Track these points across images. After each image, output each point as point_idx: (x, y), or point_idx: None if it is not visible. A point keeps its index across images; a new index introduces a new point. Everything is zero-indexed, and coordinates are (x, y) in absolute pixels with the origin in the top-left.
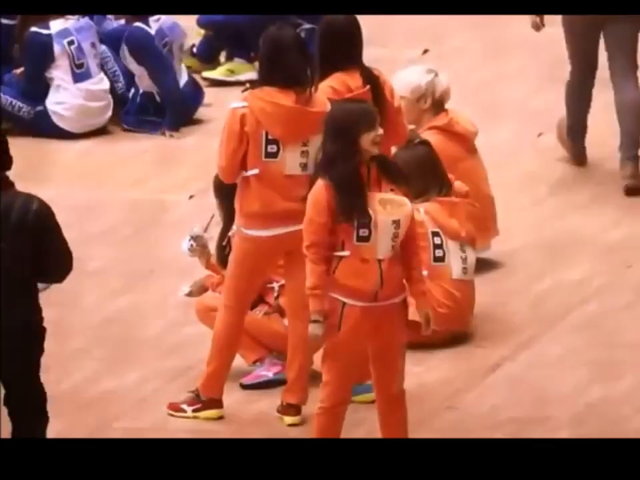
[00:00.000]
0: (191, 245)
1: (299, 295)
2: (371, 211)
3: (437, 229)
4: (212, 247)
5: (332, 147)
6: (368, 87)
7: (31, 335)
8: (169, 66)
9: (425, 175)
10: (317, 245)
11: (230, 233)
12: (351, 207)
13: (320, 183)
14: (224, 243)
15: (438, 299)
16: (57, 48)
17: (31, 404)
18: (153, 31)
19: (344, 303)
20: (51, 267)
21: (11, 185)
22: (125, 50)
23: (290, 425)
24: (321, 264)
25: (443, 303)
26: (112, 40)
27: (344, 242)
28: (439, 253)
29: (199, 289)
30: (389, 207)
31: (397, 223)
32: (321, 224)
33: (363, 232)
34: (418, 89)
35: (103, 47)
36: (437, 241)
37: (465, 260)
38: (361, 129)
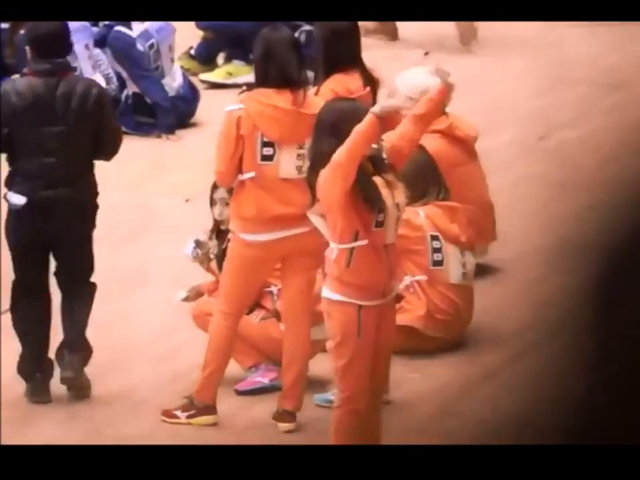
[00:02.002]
0: (197, 253)
1: (296, 301)
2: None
3: (436, 233)
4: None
5: (325, 146)
6: (368, 88)
7: (88, 207)
8: (150, 70)
9: (423, 179)
10: None
11: (229, 236)
12: (370, 195)
13: None
14: (222, 247)
15: (437, 305)
16: None
17: (83, 270)
18: (134, 34)
19: (359, 307)
20: (105, 146)
21: (73, 70)
22: (108, 53)
23: (285, 432)
24: None
25: (442, 309)
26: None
27: (359, 232)
28: (437, 256)
29: (196, 294)
30: (389, 190)
31: (397, 207)
32: None
33: (380, 217)
34: (419, 91)
35: (98, 50)
36: (436, 244)
37: (464, 265)
38: (352, 127)
